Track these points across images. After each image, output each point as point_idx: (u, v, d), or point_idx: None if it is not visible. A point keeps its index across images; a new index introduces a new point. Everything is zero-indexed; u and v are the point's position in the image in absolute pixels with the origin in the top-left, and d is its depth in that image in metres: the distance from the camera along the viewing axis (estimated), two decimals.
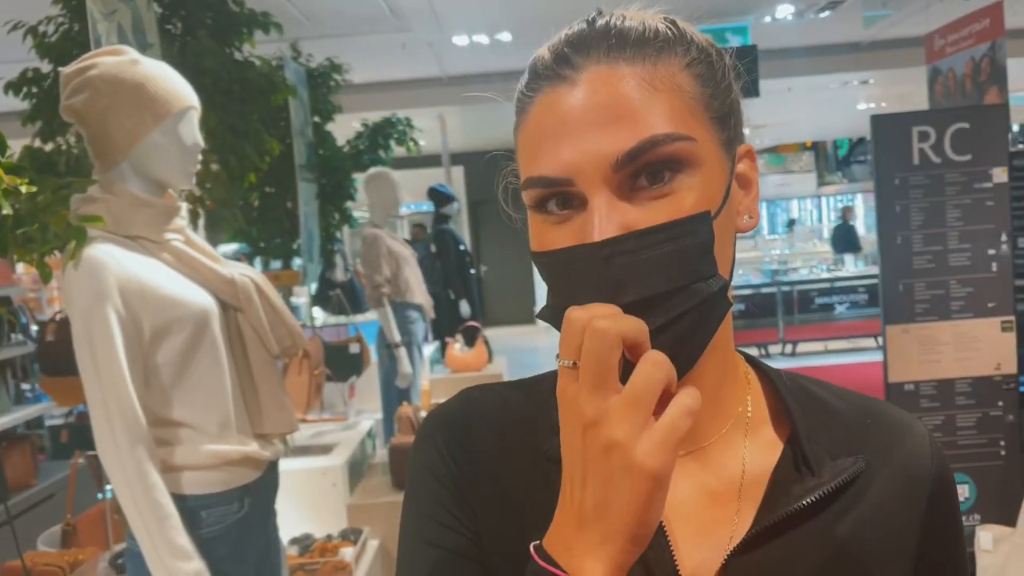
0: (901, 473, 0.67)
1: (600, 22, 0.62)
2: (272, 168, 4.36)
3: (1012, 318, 3.17)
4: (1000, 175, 3.15)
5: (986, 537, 2.80)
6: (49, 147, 3.56)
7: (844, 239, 11.65)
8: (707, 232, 0.59)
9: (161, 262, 1.64)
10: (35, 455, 4.10)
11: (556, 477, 0.64)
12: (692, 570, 0.63)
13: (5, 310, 3.94)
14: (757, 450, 0.67)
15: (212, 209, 4.09)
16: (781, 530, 0.63)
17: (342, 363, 4.30)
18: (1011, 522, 2.86)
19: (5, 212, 1.43)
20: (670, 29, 0.62)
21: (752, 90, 4.83)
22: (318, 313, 6.18)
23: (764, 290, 9.36)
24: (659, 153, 0.58)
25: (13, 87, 3.55)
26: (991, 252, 3.17)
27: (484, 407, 0.72)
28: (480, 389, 0.74)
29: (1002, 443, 3.21)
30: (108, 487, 3.12)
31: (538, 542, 0.55)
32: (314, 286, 5.75)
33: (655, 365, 0.52)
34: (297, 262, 5.62)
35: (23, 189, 1.46)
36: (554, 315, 0.62)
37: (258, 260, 6.13)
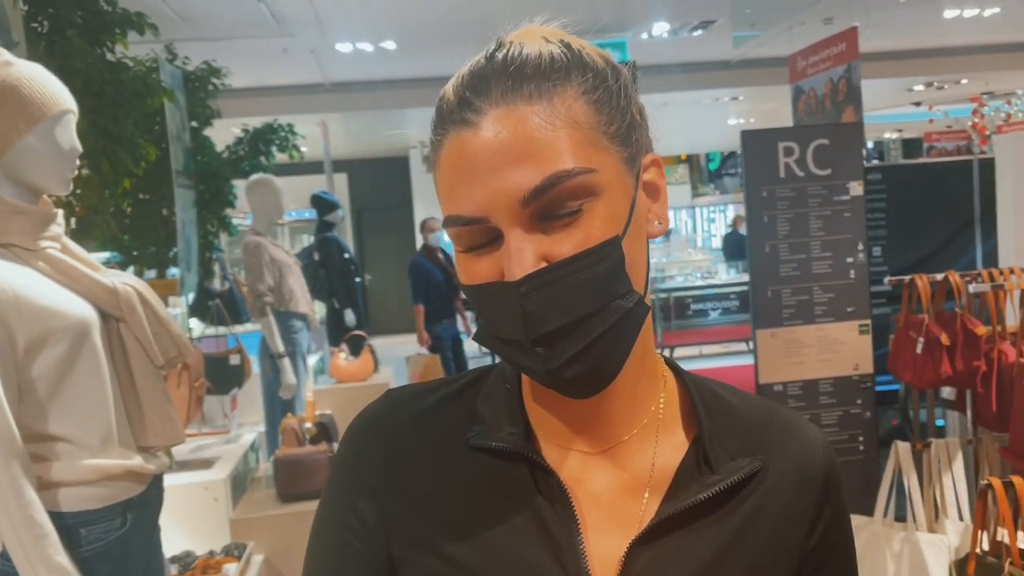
0: (794, 474, 0.73)
1: (499, 56, 0.65)
2: (147, 174, 4.20)
3: (868, 321, 3.41)
4: (856, 188, 3.39)
5: None
6: None
7: (735, 246, 12.10)
8: (618, 255, 0.63)
9: (36, 271, 1.57)
10: None
11: (480, 467, 0.70)
12: (599, 557, 0.68)
13: None
14: (667, 448, 0.72)
15: (82, 216, 3.91)
16: (681, 522, 0.68)
17: (223, 375, 4.17)
18: (870, 512, 3.08)
19: None
20: (565, 55, 0.65)
21: None
22: (195, 324, 5.97)
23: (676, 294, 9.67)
24: (564, 188, 0.61)
25: None
26: (849, 260, 3.41)
27: (407, 409, 0.75)
28: (402, 390, 0.77)
29: (861, 438, 3.45)
30: None
31: None
32: (192, 296, 5.56)
33: None
34: (173, 271, 5.42)
35: None
36: (485, 339, 0.67)
37: (131, 269, 5.88)
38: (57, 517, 1.51)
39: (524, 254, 0.61)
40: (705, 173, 16.44)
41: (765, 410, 0.77)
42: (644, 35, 7.74)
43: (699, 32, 7.73)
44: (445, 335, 7.02)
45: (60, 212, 1.67)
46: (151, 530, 1.75)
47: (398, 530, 0.70)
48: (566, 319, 0.61)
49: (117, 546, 1.61)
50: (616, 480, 0.71)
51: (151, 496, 1.71)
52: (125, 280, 1.71)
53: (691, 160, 16.10)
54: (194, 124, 5.50)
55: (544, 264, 0.62)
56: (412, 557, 0.69)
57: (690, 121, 12.17)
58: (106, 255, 5.74)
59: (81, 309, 1.60)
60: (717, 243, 16.02)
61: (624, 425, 0.72)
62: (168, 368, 1.76)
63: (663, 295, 9.83)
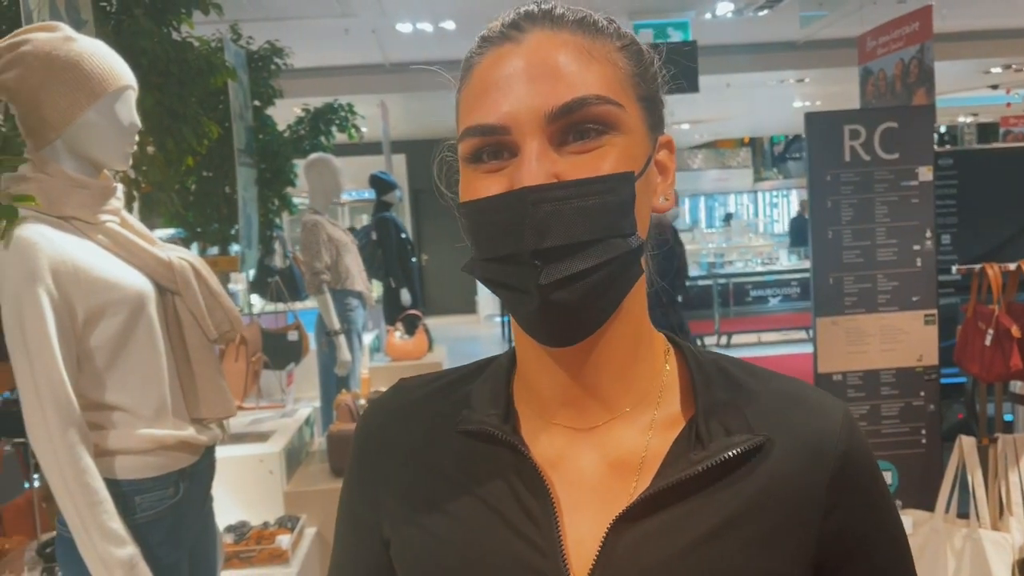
0: (804, 450, 0.68)
1: (547, 5, 0.68)
2: (210, 152, 4.27)
3: (934, 312, 3.30)
4: (926, 173, 3.27)
5: (906, 521, 2.92)
6: None
7: (801, 232, 11.88)
8: (630, 191, 0.64)
9: (95, 244, 1.61)
10: None
11: (468, 451, 0.71)
12: (577, 536, 0.66)
13: None
14: (663, 426, 0.70)
15: (147, 192, 4.00)
16: (667, 501, 0.65)
17: (281, 350, 4.25)
18: (930, 507, 2.99)
19: None
20: (610, 23, 0.69)
21: (691, 85, 4.91)
22: (256, 300, 6.08)
23: (701, 282, 9.54)
24: (590, 112, 0.63)
25: None
26: (916, 248, 3.30)
27: (411, 396, 0.77)
28: (413, 379, 0.80)
29: (923, 432, 3.35)
30: (36, 475, 3.05)
31: None
32: (252, 273, 5.66)
33: None
34: (235, 248, 5.52)
35: None
36: (477, 267, 0.66)
37: (195, 245, 6.01)
38: (112, 484, 1.55)
39: (540, 165, 0.62)
40: (768, 157, 16.11)
41: (779, 385, 0.73)
42: (708, 15, 7.58)
43: (765, 12, 7.53)
44: (661, 321, 6.77)
45: (120, 186, 1.70)
46: (203, 500, 1.78)
47: (388, 511, 0.73)
48: (569, 239, 0.61)
49: (170, 514, 1.65)
50: (605, 459, 0.69)
51: (203, 467, 1.74)
52: (181, 254, 1.73)
53: (754, 143, 15.80)
54: (256, 103, 5.57)
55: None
56: (398, 532, 0.72)
57: (753, 103, 11.92)
58: (171, 231, 5.89)
59: (138, 282, 1.63)
60: (779, 228, 15.73)
61: (615, 402, 0.70)
62: (221, 342, 1.78)
63: (722, 281, 9.68)
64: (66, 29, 1.63)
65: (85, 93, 1.58)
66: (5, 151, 3.10)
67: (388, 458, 0.75)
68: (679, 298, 6.24)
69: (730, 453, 0.66)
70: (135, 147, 1.69)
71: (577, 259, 0.61)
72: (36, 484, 3.02)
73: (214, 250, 5.78)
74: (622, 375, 0.69)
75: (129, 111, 1.65)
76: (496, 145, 0.64)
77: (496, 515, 0.68)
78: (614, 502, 0.67)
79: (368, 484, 0.75)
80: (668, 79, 0.73)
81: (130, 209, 3.93)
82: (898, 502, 3.37)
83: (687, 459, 0.66)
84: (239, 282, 6.28)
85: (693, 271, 10.13)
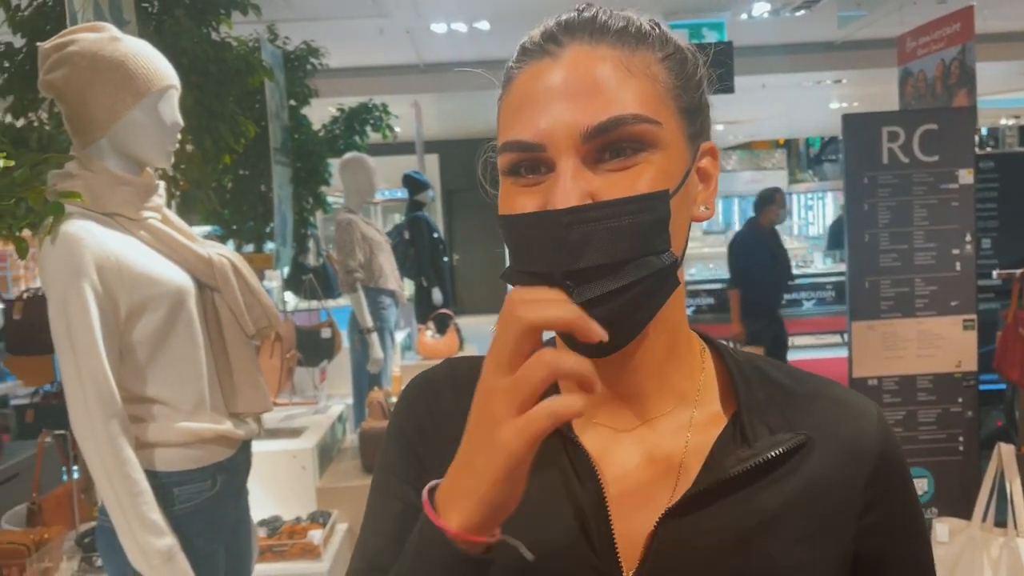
0: (842, 449, 0.70)
1: (589, 11, 0.67)
2: (247, 151, 4.33)
3: (974, 317, 3.25)
4: (966, 176, 3.22)
5: (942, 529, 2.87)
6: (21, 123, 3.51)
7: (840, 234, 11.73)
8: (664, 209, 0.64)
9: (138, 240, 1.64)
10: None
11: None
12: (626, 532, 0.67)
13: None
14: (703, 424, 0.71)
15: (185, 190, 4.06)
16: (711, 498, 0.67)
17: (314, 348, 4.30)
18: (967, 515, 2.94)
19: None
20: (653, 28, 0.68)
21: (727, 86, 4.87)
22: (290, 297, 6.15)
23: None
24: (626, 131, 0.63)
25: None
26: (955, 252, 3.25)
27: (460, 373, 0.77)
28: (463, 358, 0.79)
29: (960, 439, 3.30)
30: (75, 467, 3.11)
31: (435, 482, 0.60)
32: (287, 270, 5.72)
33: (537, 363, 0.54)
34: (270, 246, 5.58)
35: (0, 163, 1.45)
36: (513, 277, 0.67)
37: (231, 243, 6.09)
38: (152, 476, 1.58)
39: (575, 184, 0.62)
40: (804, 159, 15.94)
41: (815, 385, 0.74)
42: (744, 15, 7.52)
43: (802, 12, 7.45)
44: (764, 330, 5.95)
45: (161, 184, 1.73)
46: (239, 493, 1.81)
47: (431, 478, 0.73)
48: (602, 259, 0.61)
49: (207, 507, 1.67)
50: (648, 458, 0.70)
51: (240, 461, 1.77)
52: (220, 251, 1.76)
53: (789, 145, 15.64)
54: (292, 103, 5.63)
55: (590, 201, 0.62)
56: None
57: (790, 104, 11.79)
58: (207, 229, 5.97)
59: (179, 278, 1.66)
60: (814, 231, 15.55)
61: (655, 402, 0.71)
62: (259, 338, 1.81)
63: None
64: (112, 29, 1.67)
65: (130, 92, 1.61)
66: (51, 148, 3.18)
67: (433, 428, 0.75)
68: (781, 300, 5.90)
69: (776, 451, 0.67)
70: (176, 145, 1.72)
71: (609, 279, 0.62)
72: (75, 475, 3.08)
73: (249, 247, 5.85)
74: (660, 377, 0.71)
75: (172, 110, 1.68)
76: (533, 161, 0.64)
77: (545, 501, 0.68)
78: (657, 497, 0.68)
79: (411, 445, 0.75)
80: (715, 80, 0.73)
81: (169, 206, 3.99)
82: (934, 510, 3.31)
83: (735, 456, 0.67)
84: (274, 279, 6.34)
85: (724, 273, 10.05)
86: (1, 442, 4.05)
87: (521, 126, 0.64)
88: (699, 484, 0.67)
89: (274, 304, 1.82)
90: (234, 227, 5.61)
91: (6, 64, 3.47)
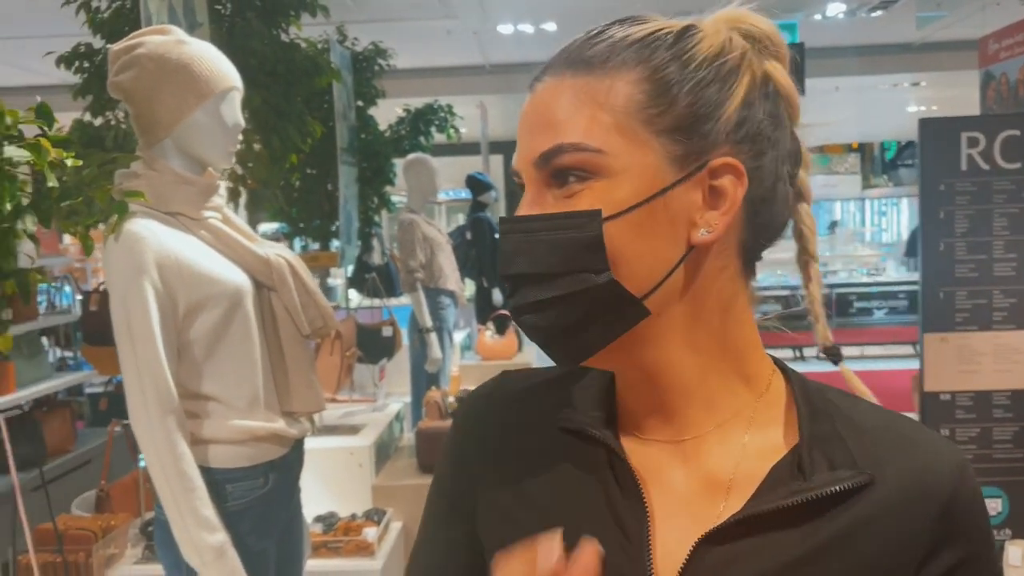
0: (910, 490, 0.66)
1: (585, 35, 0.69)
2: (314, 150, 4.41)
3: None
4: None
5: (1015, 553, 2.75)
6: (98, 121, 3.64)
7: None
8: (592, 228, 0.64)
9: (198, 239, 1.67)
10: (74, 422, 4.20)
11: (566, 448, 0.72)
12: (666, 550, 0.66)
13: (46, 278, 4.03)
14: (758, 451, 0.69)
15: (253, 188, 4.14)
16: (759, 526, 0.64)
17: (374, 345, 4.34)
18: None
19: (51, 185, 1.46)
20: (642, 41, 0.66)
21: (797, 89, 4.72)
22: (353, 295, 6.23)
23: (802, 291, 9.22)
24: (565, 159, 0.65)
25: (65, 60, 3.62)
26: None
27: (513, 387, 0.79)
28: (517, 371, 0.81)
29: None
30: (141, 456, 3.19)
31: None
32: (351, 268, 5.80)
33: None
34: (335, 244, 5.67)
35: (68, 163, 1.49)
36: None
37: (297, 240, 6.20)
38: (206, 472, 1.60)
39: (527, 204, 0.67)
40: (879, 163, 15.48)
41: (886, 421, 0.70)
42: (817, 16, 7.34)
43: (879, 12, 7.24)
44: None
45: (223, 184, 1.76)
46: (292, 491, 1.83)
47: (482, 495, 0.75)
48: (528, 268, 0.66)
49: (259, 504, 1.69)
50: (693, 475, 0.69)
51: (292, 459, 1.79)
52: (278, 251, 1.78)
53: (863, 149, 15.20)
54: (359, 103, 5.71)
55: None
56: (488, 519, 0.74)
57: (864, 108, 11.47)
58: (275, 226, 6.09)
59: (237, 277, 1.68)
60: (887, 238, 15.10)
61: (699, 420, 0.70)
62: (314, 338, 1.82)
63: (824, 291, 9.35)
64: (178, 32, 1.70)
65: (193, 94, 1.64)
66: (125, 147, 3.27)
67: (486, 444, 0.76)
68: None
69: (834, 489, 0.64)
70: (239, 146, 1.75)
71: (537, 288, 0.66)
72: (142, 464, 3.17)
73: (315, 245, 5.95)
74: (701, 395, 0.69)
75: (234, 112, 1.71)
76: (521, 184, 0.70)
77: (588, 514, 0.68)
78: (701, 518, 0.67)
79: (464, 466, 0.77)
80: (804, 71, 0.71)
81: (237, 205, 4.08)
82: (1007, 531, 3.17)
83: (787, 488, 0.65)
84: (338, 277, 6.43)
85: (794, 279, 9.80)
86: (75, 429, 4.20)
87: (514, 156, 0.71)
88: (744, 511, 0.64)
89: (331, 304, 1.83)
90: (301, 225, 5.72)
91: (86, 64, 3.60)
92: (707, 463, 0.69)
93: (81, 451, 4.01)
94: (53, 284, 4.58)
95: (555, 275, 0.65)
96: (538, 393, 0.77)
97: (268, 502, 1.71)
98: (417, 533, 0.81)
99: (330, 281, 6.58)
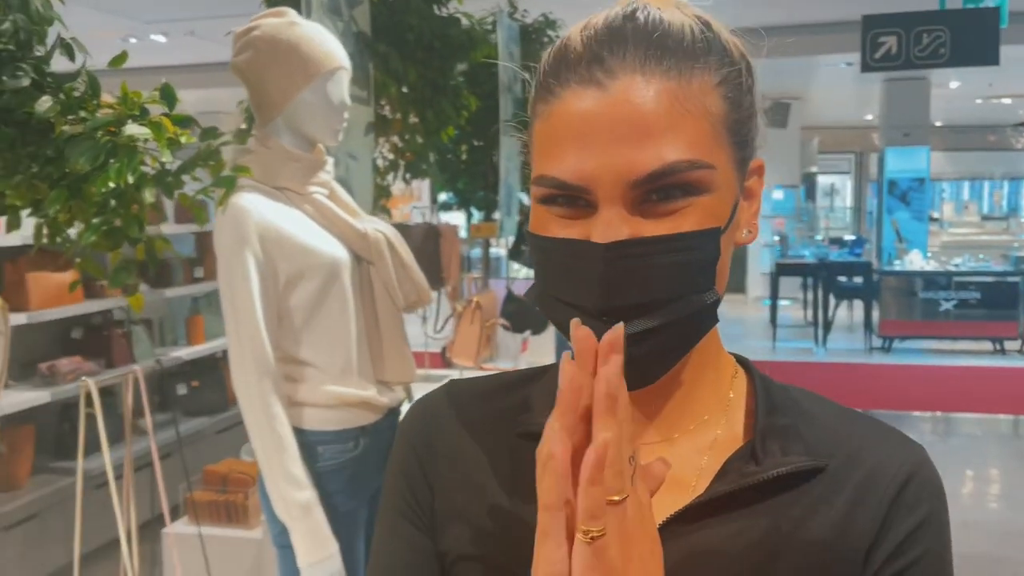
0: (865, 480, 0.67)
1: (639, 17, 0.61)
2: (479, 122, 4.49)
3: None
4: None
5: None
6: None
7: None
8: (714, 248, 0.61)
9: (302, 212, 1.76)
10: None
11: (520, 451, 0.70)
12: None
13: (170, 246, 4.41)
14: (721, 446, 0.69)
15: (411, 160, 4.30)
16: (709, 514, 0.65)
17: (523, 317, 4.40)
18: None
19: (165, 160, 1.59)
20: (706, 35, 0.62)
21: (991, 57, 4.26)
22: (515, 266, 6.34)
23: (1009, 279, 8.37)
24: (677, 178, 0.59)
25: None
26: None
27: (462, 394, 0.78)
28: (464, 379, 0.80)
29: None
30: None
31: None
32: (511, 240, 5.89)
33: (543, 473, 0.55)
34: (497, 215, 5.77)
35: (183, 140, 1.61)
36: (547, 304, 0.65)
37: (462, 211, 6.37)
38: (299, 433, 1.71)
39: (619, 231, 0.59)
40: None
41: (849, 418, 0.71)
42: None
43: None
44: None
45: (330, 160, 1.84)
46: (383, 458, 1.90)
47: (438, 504, 0.73)
48: (644, 298, 0.59)
49: (350, 466, 1.78)
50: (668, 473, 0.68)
51: (384, 426, 1.86)
52: (377, 227, 1.85)
53: None
54: (527, 76, 5.74)
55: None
56: (446, 527, 0.72)
57: None
58: (443, 196, 6.30)
59: (335, 250, 1.76)
60: None
61: (674, 424, 0.69)
62: (409, 311, 1.88)
63: None
64: (292, 15, 1.79)
65: (302, 74, 1.72)
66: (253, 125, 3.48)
67: (433, 450, 0.75)
68: None
69: (781, 470, 0.65)
70: (345, 123, 1.82)
71: (647, 318, 0.60)
72: None
73: (479, 215, 6.09)
74: (683, 400, 0.70)
75: (340, 91, 1.78)
76: (571, 196, 0.61)
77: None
78: (667, 514, 0.66)
79: (413, 474, 0.76)
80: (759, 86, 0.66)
81: (396, 176, 4.25)
82: None
83: (739, 473, 0.66)
84: (502, 247, 6.57)
85: (998, 265, 8.92)
86: None
87: (564, 164, 0.60)
88: (695, 500, 0.65)
89: (424, 279, 1.88)
90: (467, 196, 5.87)
91: None
92: (680, 460, 0.68)
93: None
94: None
95: (664, 301, 0.60)
96: (490, 398, 0.76)
97: (358, 465, 1.80)
98: (374, 536, 0.81)
99: (493, 251, 6.70)
